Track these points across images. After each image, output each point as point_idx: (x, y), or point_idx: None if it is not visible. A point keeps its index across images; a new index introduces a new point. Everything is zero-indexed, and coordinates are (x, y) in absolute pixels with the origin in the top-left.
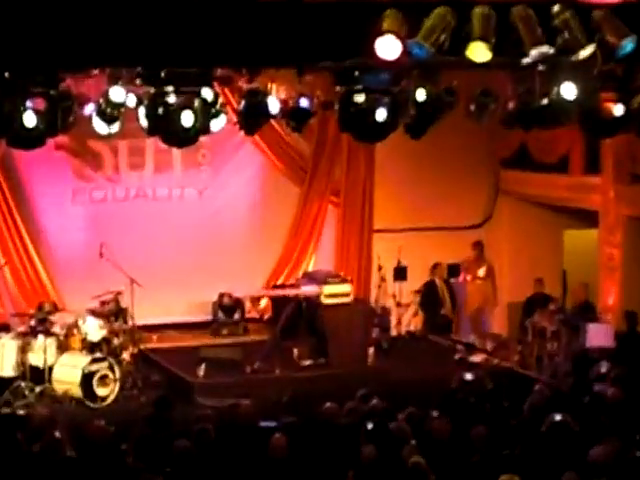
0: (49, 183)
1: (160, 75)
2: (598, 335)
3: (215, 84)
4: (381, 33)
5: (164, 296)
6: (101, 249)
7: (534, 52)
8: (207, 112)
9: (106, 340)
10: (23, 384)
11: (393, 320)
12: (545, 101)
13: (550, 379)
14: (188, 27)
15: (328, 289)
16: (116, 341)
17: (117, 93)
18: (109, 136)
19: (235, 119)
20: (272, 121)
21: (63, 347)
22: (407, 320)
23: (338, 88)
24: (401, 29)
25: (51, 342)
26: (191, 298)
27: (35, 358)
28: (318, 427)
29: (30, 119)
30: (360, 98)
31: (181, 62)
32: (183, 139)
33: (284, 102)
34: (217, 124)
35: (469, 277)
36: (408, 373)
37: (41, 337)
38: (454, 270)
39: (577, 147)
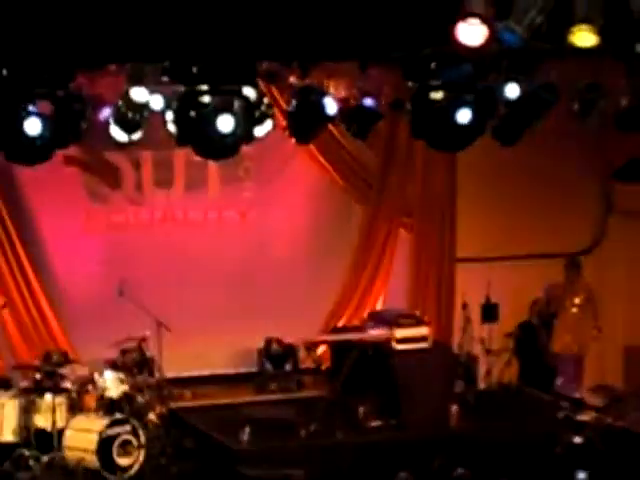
0: (57, 206)
1: (192, 71)
2: None
3: (260, 81)
4: (463, 16)
5: (198, 343)
6: (121, 286)
7: None
8: (250, 115)
9: (128, 397)
10: (27, 452)
11: (481, 370)
12: None
13: None
14: (226, 13)
15: (400, 332)
16: (140, 399)
17: (139, 93)
18: (130, 146)
19: (284, 124)
20: (330, 126)
21: (76, 407)
22: (498, 370)
23: (410, 84)
24: (487, 10)
25: (61, 401)
26: (232, 345)
27: (42, 420)
28: None
29: (33, 126)
30: (437, 96)
31: (217, 55)
32: (220, 149)
33: (344, 102)
34: (262, 130)
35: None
36: (500, 436)
37: (48, 395)
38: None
39: None
